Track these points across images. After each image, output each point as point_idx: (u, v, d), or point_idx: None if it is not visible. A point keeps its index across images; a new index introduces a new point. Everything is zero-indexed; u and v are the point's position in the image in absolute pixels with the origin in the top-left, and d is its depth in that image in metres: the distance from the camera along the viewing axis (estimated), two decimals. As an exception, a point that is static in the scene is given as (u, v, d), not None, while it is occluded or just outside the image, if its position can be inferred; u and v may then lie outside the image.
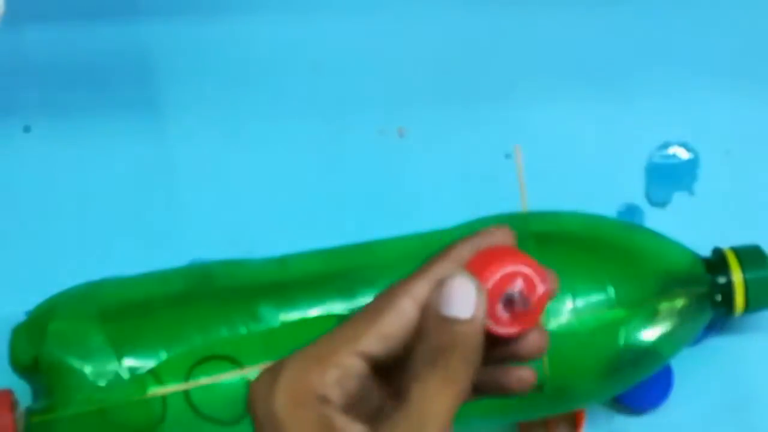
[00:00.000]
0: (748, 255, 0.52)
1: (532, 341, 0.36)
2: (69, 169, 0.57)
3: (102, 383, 0.48)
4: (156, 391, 0.48)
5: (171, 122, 0.58)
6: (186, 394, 0.48)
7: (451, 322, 0.33)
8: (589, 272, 0.49)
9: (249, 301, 0.49)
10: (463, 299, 0.33)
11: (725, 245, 0.53)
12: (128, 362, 0.48)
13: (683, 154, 0.57)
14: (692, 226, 0.56)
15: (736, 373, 0.56)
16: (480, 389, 0.36)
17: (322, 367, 0.33)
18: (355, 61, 0.59)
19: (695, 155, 0.57)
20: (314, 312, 0.49)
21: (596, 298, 0.49)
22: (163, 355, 0.48)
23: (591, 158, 0.57)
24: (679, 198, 0.57)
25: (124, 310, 0.50)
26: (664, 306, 0.50)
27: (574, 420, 0.53)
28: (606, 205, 0.57)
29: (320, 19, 0.59)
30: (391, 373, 0.34)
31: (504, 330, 0.35)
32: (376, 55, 0.59)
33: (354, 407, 0.33)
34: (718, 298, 0.52)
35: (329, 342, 0.34)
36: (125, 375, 0.48)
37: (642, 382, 0.52)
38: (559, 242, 0.51)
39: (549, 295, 0.35)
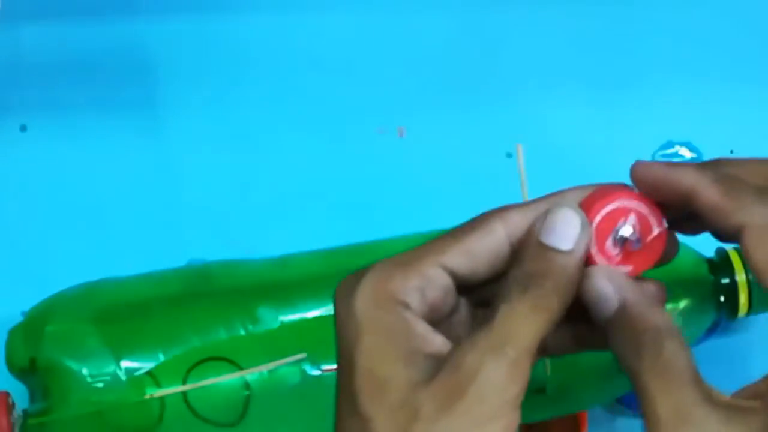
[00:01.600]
0: None
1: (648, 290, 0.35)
2: (66, 169, 0.57)
3: (99, 385, 0.47)
4: (154, 393, 0.47)
5: (169, 121, 0.58)
6: (184, 395, 0.47)
7: (549, 250, 0.33)
8: None
9: (247, 303, 0.49)
10: (566, 230, 0.33)
11: (729, 245, 0.52)
12: (126, 364, 0.47)
13: (686, 154, 0.57)
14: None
15: (738, 373, 0.55)
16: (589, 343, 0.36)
17: (404, 273, 0.33)
18: (354, 61, 0.58)
19: (698, 154, 0.57)
20: (314, 313, 0.49)
21: None
22: (161, 357, 0.48)
23: (593, 157, 0.57)
24: (681, 198, 0.57)
25: (121, 311, 0.49)
26: (666, 307, 0.49)
27: (576, 422, 0.53)
28: (608, 205, 0.57)
29: (320, 19, 0.59)
30: (477, 298, 0.35)
31: (613, 267, 0.34)
32: (376, 55, 0.58)
33: (436, 320, 0.34)
34: (722, 299, 0.51)
35: (415, 252, 0.34)
36: (123, 377, 0.47)
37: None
38: None
39: (664, 238, 0.35)
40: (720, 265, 0.52)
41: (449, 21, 0.59)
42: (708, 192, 0.34)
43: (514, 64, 0.58)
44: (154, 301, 0.50)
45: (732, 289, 0.51)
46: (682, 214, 0.36)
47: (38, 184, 0.57)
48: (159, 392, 0.47)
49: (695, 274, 0.51)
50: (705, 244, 0.52)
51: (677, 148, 0.57)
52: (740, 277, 0.51)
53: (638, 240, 0.34)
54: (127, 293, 0.51)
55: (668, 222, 0.36)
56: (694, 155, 0.57)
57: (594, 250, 0.34)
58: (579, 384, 0.49)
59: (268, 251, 0.53)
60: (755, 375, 0.55)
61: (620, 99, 0.58)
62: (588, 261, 0.34)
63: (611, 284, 0.34)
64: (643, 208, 0.35)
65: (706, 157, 0.57)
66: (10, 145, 0.58)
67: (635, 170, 0.36)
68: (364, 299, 0.33)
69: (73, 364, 0.48)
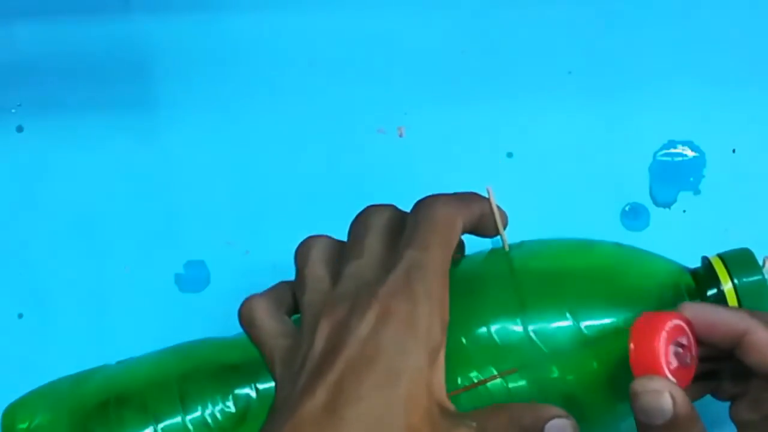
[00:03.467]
0: (737, 261, 0.49)
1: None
2: (63, 169, 0.58)
3: None
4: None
5: (166, 121, 0.58)
6: None
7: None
8: (567, 309, 0.46)
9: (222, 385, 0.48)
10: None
11: (731, 245, 0.52)
12: None
13: (689, 153, 0.57)
14: (698, 226, 0.56)
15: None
16: None
17: None
18: (354, 61, 0.58)
19: (701, 154, 0.57)
20: None
21: (584, 333, 0.46)
22: None
23: (595, 157, 0.57)
24: (684, 197, 0.57)
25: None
26: None
27: None
28: (610, 205, 0.56)
29: (319, 17, 0.59)
30: None
31: (673, 380, 0.40)
32: (375, 55, 0.58)
33: None
34: None
35: None
36: None
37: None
38: (543, 278, 0.48)
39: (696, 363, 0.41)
40: (705, 276, 0.49)
41: (449, 20, 0.58)
42: (761, 332, 0.42)
43: (515, 63, 0.58)
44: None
45: (721, 300, 0.48)
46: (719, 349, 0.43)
47: (35, 185, 0.57)
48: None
49: (682, 287, 0.49)
50: (710, 245, 0.52)
51: (679, 147, 0.57)
52: (726, 286, 0.48)
53: (690, 357, 0.40)
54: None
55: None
56: (696, 154, 0.57)
57: (662, 361, 0.39)
58: (590, 410, 0.47)
59: (266, 252, 0.53)
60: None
61: (622, 98, 0.57)
62: (647, 364, 0.40)
63: (672, 398, 0.40)
64: (690, 332, 0.41)
65: (709, 157, 0.57)
66: (6, 147, 0.58)
67: (687, 311, 0.43)
68: None
69: None
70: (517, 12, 0.58)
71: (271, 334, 0.43)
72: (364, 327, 0.39)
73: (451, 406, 0.41)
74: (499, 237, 0.47)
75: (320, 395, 0.38)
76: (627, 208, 0.57)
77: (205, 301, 0.56)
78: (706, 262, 0.49)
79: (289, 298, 0.45)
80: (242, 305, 0.44)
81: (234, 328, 0.56)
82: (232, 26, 0.58)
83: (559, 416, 0.41)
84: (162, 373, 0.49)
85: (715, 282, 0.48)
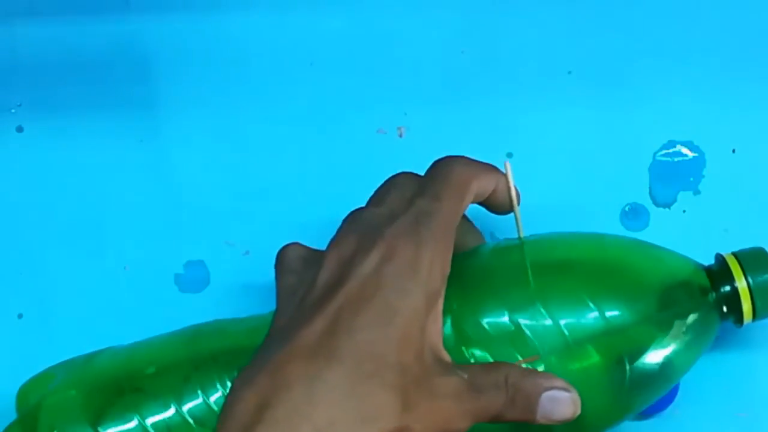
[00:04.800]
0: (752, 259, 0.49)
1: None
2: (62, 169, 0.57)
3: None
4: None
5: (166, 120, 0.58)
6: None
7: None
8: (586, 298, 0.46)
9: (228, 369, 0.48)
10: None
11: (731, 245, 0.52)
12: None
13: (688, 153, 0.57)
14: (698, 226, 0.56)
15: (742, 376, 0.55)
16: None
17: None
18: (354, 61, 0.58)
19: (700, 154, 0.57)
20: None
21: (597, 324, 0.46)
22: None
23: (595, 157, 0.57)
24: (684, 197, 0.57)
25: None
26: (668, 323, 0.47)
27: None
28: (610, 205, 0.56)
29: (319, 18, 0.59)
30: None
31: None
32: (375, 55, 0.58)
33: None
34: (725, 309, 0.49)
35: None
36: None
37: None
38: (554, 271, 0.48)
39: None
40: (719, 272, 0.49)
41: (449, 20, 0.58)
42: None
43: (515, 63, 0.58)
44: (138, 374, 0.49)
45: (734, 297, 0.49)
46: None
47: (35, 185, 0.57)
48: None
49: (694, 285, 0.49)
50: (710, 245, 0.52)
51: (679, 147, 0.57)
52: (740, 283, 0.48)
53: None
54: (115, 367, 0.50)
55: None
56: (696, 155, 0.57)
57: None
58: (588, 413, 0.46)
59: (265, 252, 0.53)
60: (759, 378, 0.55)
61: (621, 98, 0.57)
62: None
63: None
64: None
65: (709, 157, 0.57)
66: (6, 147, 0.58)
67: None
68: None
69: None
70: (516, 12, 0.58)
71: (287, 270, 0.44)
72: (367, 264, 0.41)
73: (446, 356, 0.42)
74: (509, 223, 0.47)
75: (317, 324, 0.40)
76: (627, 209, 0.56)
77: (204, 302, 0.56)
78: (721, 259, 0.50)
79: None
80: (281, 249, 0.46)
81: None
82: (231, 27, 0.58)
83: (560, 388, 0.41)
84: (174, 355, 0.49)
85: (729, 279, 0.49)
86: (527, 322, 0.45)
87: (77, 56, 0.58)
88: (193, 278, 0.57)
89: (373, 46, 0.58)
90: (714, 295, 0.49)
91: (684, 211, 0.56)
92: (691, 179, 0.57)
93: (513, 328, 0.45)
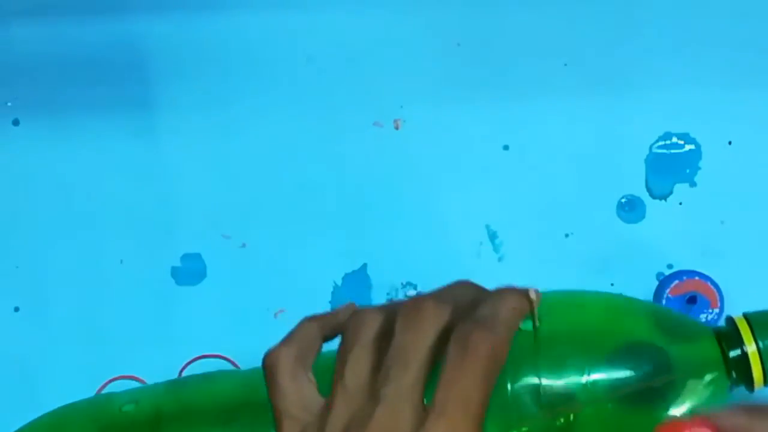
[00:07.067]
0: (761, 322, 0.47)
1: None
2: (59, 163, 0.57)
3: None
4: None
5: (163, 117, 0.58)
6: None
7: None
8: (597, 369, 0.45)
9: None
10: None
11: (727, 237, 0.52)
12: None
13: (685, 145, 0.57)
14: (694, 218, 0.56)
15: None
16: None
17: None
18: (350, 54, 0.58)
19: (697, 146, 0.57)
20: None
21: (608, 395, 0.45)
22: None
23: (591, 150, 0.57)
24: (680, 189, 0.56)
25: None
26: (678, 391, 0.46)
27: None
28: (607, 197, 0.56)
29: (315, 11, 0.58)
30: None
31: None
32: (371, 48, 0.58)
33: None
34: (734, 374, 0.47)
35: None
36: None
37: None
38: (568, 342, 0.46)
39: None
40: (728, 336, 0.47)
41: (445, 13, 0.58)
42: None
43: (511, 55, 0.58)
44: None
45: (744, 362, 0.47)
46: None
47: (31, 179, 0.57)
48: None
49: (706, 348, 0.47)
50: (705, 237, 0.52)
51: (675, 139, 0.57)
52: (750, 348, 0.47)
53: None
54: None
55: None
56: (692, 147, 0.57)
57: None
58: None
59: (262, 245, 0.53)
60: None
61: (618, 91, 0.57)
62: None
63: None
64: None
65: (705, 149, 0.57)
66: (2, 139, 0.57)
67: (716, 420, 0.39)
68: None
69: None
70: (512, 4, 0.58)
71: (287, 400, 0.40)
72: None
73: None
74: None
75: None
76: (623, 200, 0.56)
77: (201, 294, 0.56)
78: (731, 321, 0.48)
79: (317, 345, 0.42)
80: (267, 356, 0.41)
81: (229, 322, 0.56)
82: (228, 23, 0.58)
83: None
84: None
85: (739, 343, 0.47)
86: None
87: (76, 56, 0.58)
88: (190, 271, 0.56)
89: (369, 39, 0.58)
90: (724, 359, 0.47)
91: (680, 203, 0.56)
92: (688, 171, 0.57)
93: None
